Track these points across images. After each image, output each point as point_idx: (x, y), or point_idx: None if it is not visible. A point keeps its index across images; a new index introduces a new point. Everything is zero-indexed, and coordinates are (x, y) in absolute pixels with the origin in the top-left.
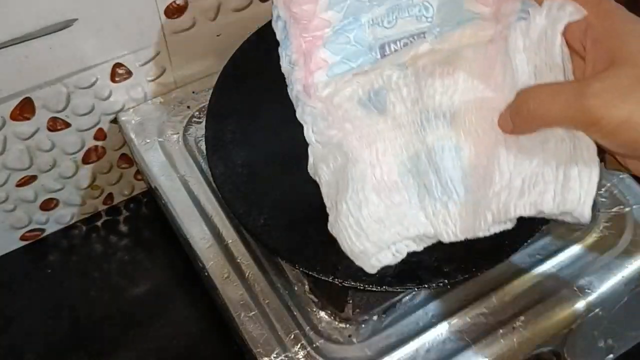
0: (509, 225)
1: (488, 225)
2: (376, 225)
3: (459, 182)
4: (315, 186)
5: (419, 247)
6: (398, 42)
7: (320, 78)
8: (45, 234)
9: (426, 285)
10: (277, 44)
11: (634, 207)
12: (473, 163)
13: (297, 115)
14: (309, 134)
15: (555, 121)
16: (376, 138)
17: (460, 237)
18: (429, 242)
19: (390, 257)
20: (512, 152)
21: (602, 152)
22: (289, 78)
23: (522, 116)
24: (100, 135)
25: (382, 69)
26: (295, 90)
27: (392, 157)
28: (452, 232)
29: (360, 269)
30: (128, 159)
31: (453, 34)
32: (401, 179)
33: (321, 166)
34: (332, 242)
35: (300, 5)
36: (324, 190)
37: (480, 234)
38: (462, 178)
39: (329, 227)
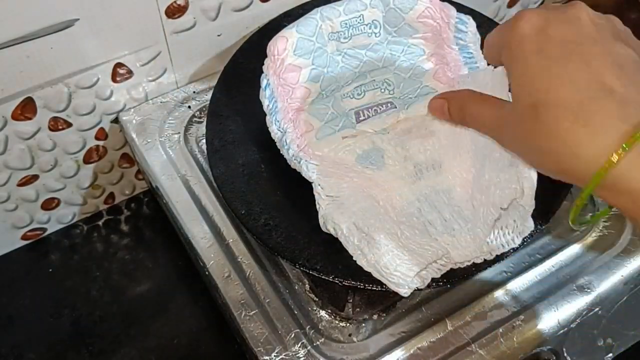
0: (515, 243)
1: (491, 246)
2: (407, 251)
3: (457, 215)
4: None
5: (437, 274)
6: (370, 109)
7: (311, 140)
8: (46, 233)
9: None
10: None
11: None
12: (464, 199)
13: (303, 174)
14: (317, 189)
15: (479, 125)
16: (381, 189)
17: (470, 259)
18: (444, 270)
19: (420, 281)
20: (483, 178)
21: None
22: (281, 141)
23: (458, 112)
24: (101, 135)
25: (366, 134)
26: (291, 151)
27: (398, 204)
28: (462, 254)
29: (360, 268)
30: (129, 159)
31: (419, 105)
32: (407, 219)
33: (337, 216)
34: (332, 242)
35: (288, 72)
36: (344, 238)
37: (487, 257)
38: (458, 212)
39: (367, 267)
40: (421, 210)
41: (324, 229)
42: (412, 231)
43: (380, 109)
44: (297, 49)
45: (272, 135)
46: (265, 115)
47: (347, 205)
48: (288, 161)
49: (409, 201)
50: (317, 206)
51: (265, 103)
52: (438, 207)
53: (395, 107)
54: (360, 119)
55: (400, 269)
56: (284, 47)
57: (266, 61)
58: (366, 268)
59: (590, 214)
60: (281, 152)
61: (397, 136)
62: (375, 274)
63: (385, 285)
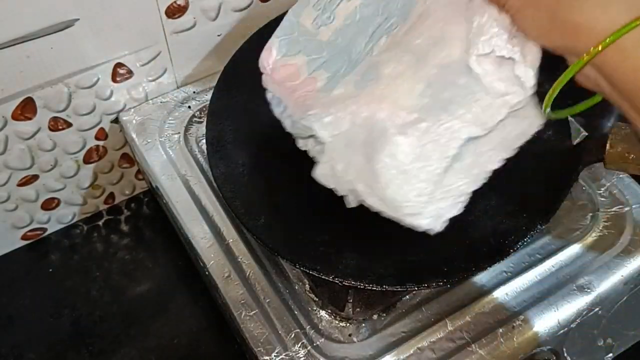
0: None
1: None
2: (419, 162)
3: (475, 83)
4: (316, 186)
5: (473, 185)
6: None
7: (317, 95)
8: (46, 233)
9: (426, 285)
10: None
11: (634, 206)
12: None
13: (306, 123)
14: (323, 134)
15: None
16: (382, 100)
17: (501, 118)
18: (479, 158)
19: (450, 205)
20: None
21: (601, 152)
22: (292, 124)
23: None
24: (101, 135)
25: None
26: (295, 123)
27: (405, 103)
28: (492, 119)
29: (361, 268)
30: (129, 159)
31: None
32: (421, 113)
33: (343, 155)
34: (332, 242)
35: (285, 72)
36: (352, 177)
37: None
38: (476, 80)
39: (372, 203)
40: (436, 96)
41: (322, 179)
42: (426, 122)
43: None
44: (282, 51)
45: (287, 128)
46: (269, 114)
47: (350, 140)
48: (299, 145)
49: (419, 92)
50: (325, 149)
51: (278, 111)
52: (451, 79)
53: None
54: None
55: (411, 196)
56: (270, 55)
57: (263, 77)
58: (378, 207)
59: (591, 214)
60: (295, 141)
61: (395, 43)
62: (388, 212)
63: (380, 284)
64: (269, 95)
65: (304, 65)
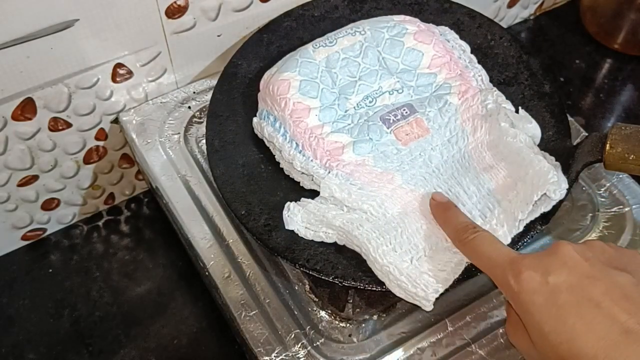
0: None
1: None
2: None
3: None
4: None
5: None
6: (391, 113)
7: (347, 153)
8: (46, 233)
9: None
10: (277, 43)
11: (634, 207)
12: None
13: (326, 181)
14: (335, 194)
15: (484, 264)
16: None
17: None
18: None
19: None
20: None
21: (601, 152)
22: (308, 165)
23: (465, 243)
24: (101, 135)
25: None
26: (320, 168)
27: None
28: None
29: (361, 269)
30: (129, 159)
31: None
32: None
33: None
34: (332, 242)
35: (274, 86)
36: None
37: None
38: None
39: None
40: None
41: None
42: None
43: (403, 113)
44: (301, 87)
45: (298, 164)
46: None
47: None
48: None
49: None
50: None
51: (276, 136)
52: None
53: (417, 111)
54: (391, 126)
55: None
56: (286, 87)
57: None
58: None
59: (591, 214)
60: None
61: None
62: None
63: (381, 284)
64: (270, 118)
65: (296, 84)
